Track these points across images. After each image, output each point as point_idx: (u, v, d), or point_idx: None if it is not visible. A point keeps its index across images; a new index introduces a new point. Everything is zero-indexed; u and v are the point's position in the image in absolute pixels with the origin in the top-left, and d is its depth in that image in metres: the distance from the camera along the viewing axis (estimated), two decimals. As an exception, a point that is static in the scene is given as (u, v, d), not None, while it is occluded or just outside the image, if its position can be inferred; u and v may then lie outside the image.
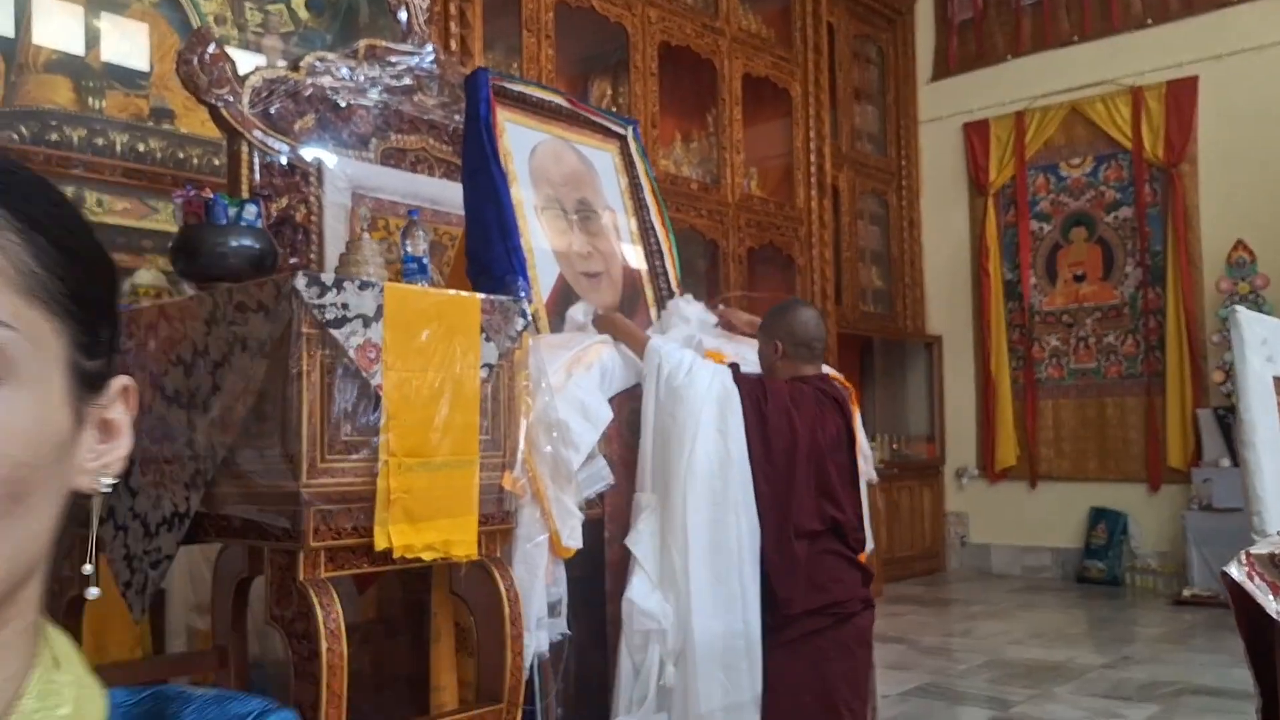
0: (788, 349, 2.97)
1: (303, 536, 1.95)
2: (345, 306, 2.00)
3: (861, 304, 8.27)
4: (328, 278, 1.99)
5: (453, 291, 2.23)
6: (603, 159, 3.39)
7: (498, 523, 2.26)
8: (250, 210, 2.35)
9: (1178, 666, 5.24)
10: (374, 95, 3.35)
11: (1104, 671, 5.13)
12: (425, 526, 2.09)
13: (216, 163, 4.49)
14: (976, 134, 8.82)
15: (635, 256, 3.31)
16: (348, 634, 2.17)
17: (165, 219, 4.25)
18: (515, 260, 2.87)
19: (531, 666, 2.26)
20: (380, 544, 2.02)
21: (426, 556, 2.09)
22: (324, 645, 1.91)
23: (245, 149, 3.13)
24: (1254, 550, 1.46)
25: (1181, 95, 7.90)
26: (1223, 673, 5.03)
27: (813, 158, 7.75)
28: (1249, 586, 1.43)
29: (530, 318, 2.28)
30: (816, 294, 7.60)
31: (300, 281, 1.95)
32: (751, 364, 2.96)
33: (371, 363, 2.03)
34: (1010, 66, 8.70)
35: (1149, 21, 8.09)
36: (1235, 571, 1.44)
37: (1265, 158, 7.42)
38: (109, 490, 0.64)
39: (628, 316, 3.03)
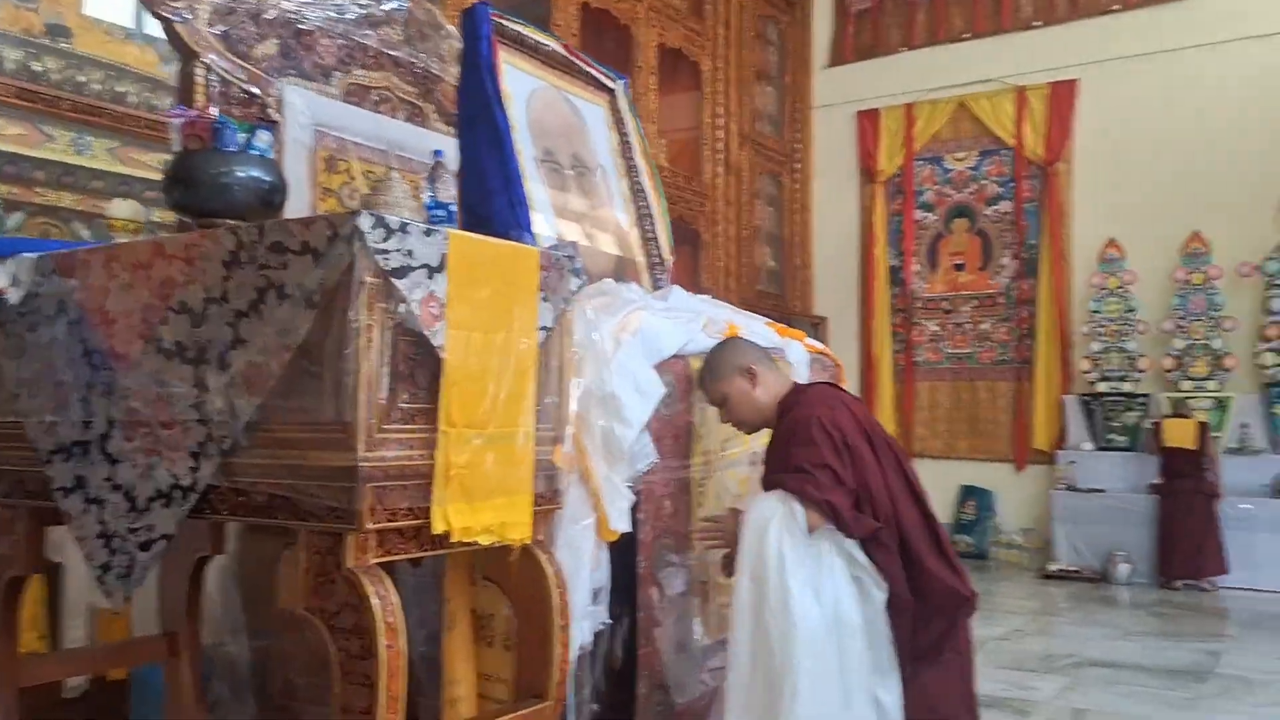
0: (756, 369, 2.54)
1: (357, 517, 1.69)
2: (410, 254, 1.74)
3: (757, 283, 8.28)
4: (393, 220, 1.72)
5: (507, 242, 1.98)
6: (593, 113, 3.18)
7: (547, 502, 2.04)
8: (263, 137, 2.03)
9: (1066, 640, 5.49)
10: (339, 24, 3.02)
11: (1000, 644, 5.30)
12: (482, 506, 1.85)
13: (119, 89, 4.00)
14: (868, 122, 8.97)
15: (627, 219, 3.12)
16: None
17: (63, 148, 3.76)
18: (520, 214, 2.63)
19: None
20: (438, 526, 1.78)
21: (484, 540, 1.86)
22: (382, 642, 1.66)
23: (201, 72, 2.76)
24: None
25: (1062, 97, 8.25)
26: (1110, 645, 5.30)
27: (719, 134, 7.69)
28: None
29: (585, 278, 2.06)
30: (720, 271, 7.56)
31: (365, 221, 1.68)
32: (758, 333, 2.80)
33: (434, 319, 1.78)
34: (903, 58, 8.88)
35: (1036, 23, 8.40)
36: None
37: (1137, 161, 7.83)
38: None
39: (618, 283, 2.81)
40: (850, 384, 8.85)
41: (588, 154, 3.10)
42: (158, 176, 2.39)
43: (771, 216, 8.71)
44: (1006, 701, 4.25)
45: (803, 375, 2.91)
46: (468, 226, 2.69)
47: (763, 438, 2.58)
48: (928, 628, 2.38)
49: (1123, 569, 7.16)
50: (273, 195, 2.03)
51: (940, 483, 8.40)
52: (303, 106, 3.02)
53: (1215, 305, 7.56)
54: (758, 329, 2.84)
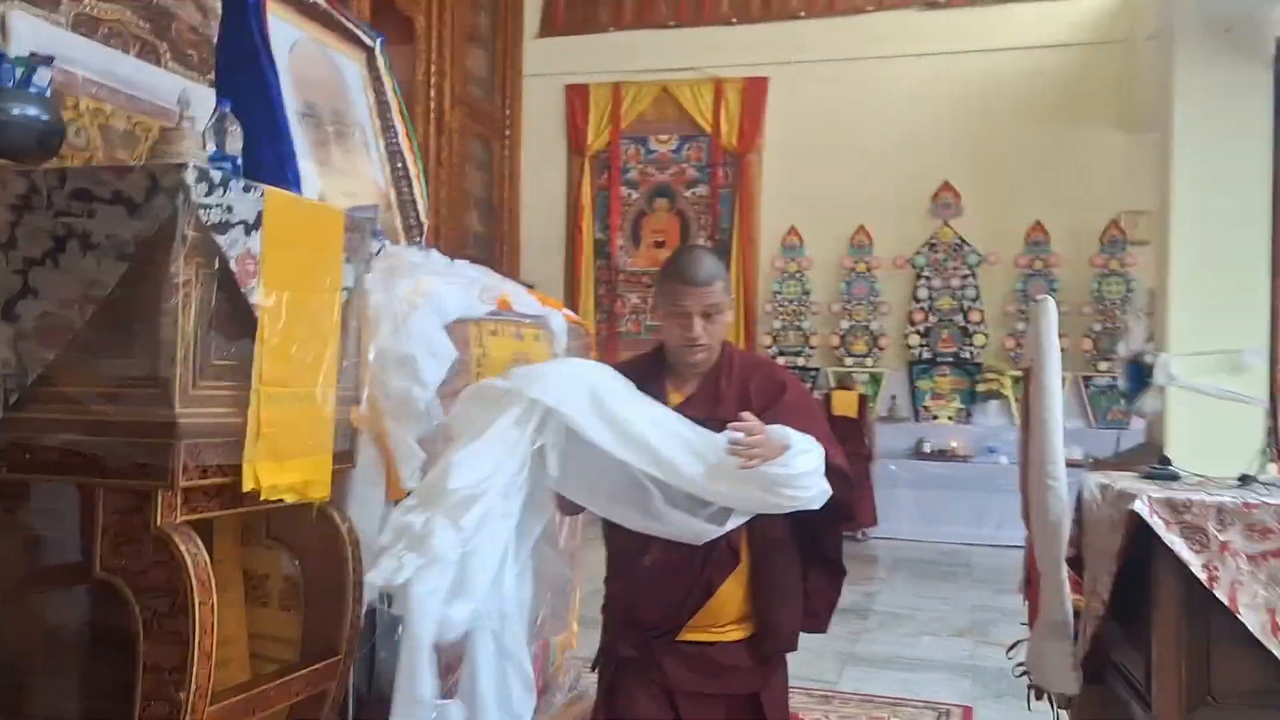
0: None
1: (170, 475, 1.66)
2: (229, 209, 1.72)
3: (465, 248, 8.32)
4: (216, 174, 1.70)
5: (316, 202, 1.99)
6: (352, 70, 3.13)
7: (342, 461, 2.08)
8: (43, 74, 1.88)
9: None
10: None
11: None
12: (288, 465, 1.87)
13: None
14: (577, 97, 9.26)
15: (384, 180, 3.12)
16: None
17: None
18: (289, 170, 2.58)
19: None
20: (248, 484, 1.78)
21: (289, 498, 1.88)
22: (195, 599, 1.66)
23: (-90, -16, 2.45)
24: (1154, 495, 1.88)
25: (755, 92, 8.98)
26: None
27: (432, 94, 7.64)
28: (1151, 521, 1.84)
29: (385, 240, 2.11)
30: (429, 233, 7.52)
31: (190, 174, 1.64)
32: (524, 302, 2.92)
33: (249, 276, 1.77)
34: (612, 37, 9.23)
35: (733, 20, 9.05)
36: (1140, 507, 1.85)
37: (816, 157, 8.68)
38: None
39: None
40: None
41: (347, 111, 3.07)
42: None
43: (481, 182, 8.78)
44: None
45: (562, 344, 3.08)
46: (232, 179, 2.61)
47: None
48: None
49: (791, 523, 8.00)
50: (50, 137, 1.89)
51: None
52: (28, 34, 2.74)
53: (875, 292, 8.61)
54: (523, 298, 2.97)
